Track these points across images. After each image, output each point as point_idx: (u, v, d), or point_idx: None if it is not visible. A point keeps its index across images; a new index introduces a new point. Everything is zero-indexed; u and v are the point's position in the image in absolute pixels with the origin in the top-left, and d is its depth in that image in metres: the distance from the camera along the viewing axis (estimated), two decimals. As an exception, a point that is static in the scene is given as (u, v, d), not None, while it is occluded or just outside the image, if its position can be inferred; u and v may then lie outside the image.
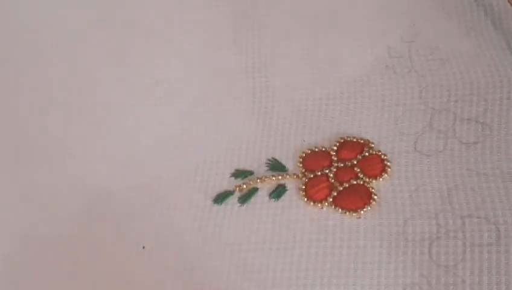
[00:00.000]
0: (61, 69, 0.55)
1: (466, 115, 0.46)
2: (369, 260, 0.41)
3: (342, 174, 0.45)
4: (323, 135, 0.48)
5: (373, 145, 0.46)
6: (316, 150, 0.47)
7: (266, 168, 0.47)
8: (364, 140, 0.47)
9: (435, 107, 0.47)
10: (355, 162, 0.46)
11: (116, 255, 0.45)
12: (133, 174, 0.49)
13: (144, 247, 0.45)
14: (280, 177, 0.46)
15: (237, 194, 0.46)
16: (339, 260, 0.42)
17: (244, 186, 0.46)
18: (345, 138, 0.47)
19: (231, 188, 0.46)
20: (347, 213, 0.44)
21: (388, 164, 0.45)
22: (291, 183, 0.46)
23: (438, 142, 0.46)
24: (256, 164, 0.47)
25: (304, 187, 0.45)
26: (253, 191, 0.46)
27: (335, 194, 0.44)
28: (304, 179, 0.46)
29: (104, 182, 0.48)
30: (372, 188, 0.44)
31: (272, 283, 0.42)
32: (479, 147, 0.45)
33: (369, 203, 0.44)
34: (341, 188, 0.45)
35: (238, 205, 0.46)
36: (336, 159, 0.46)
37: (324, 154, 0.47)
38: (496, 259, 0.40)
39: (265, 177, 0.46)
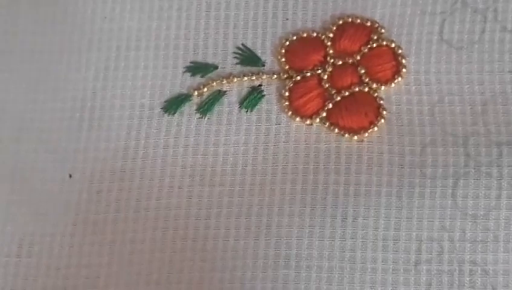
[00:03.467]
0: None
1: (513, -13, 0.33)
2: (373, 203, 0.31)
3: (341, 76, 0.33)
4: (314, 13, 0.34)
5: (383, 32, 0.33)
6: (305, 36, 0.34)
7: (235, 62, 0.34)
8: (371, 22, 0.33)
9: None
10: (358, 58, 0.33)
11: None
12: None
13: (70, 175, 0.34)
14: (254, 76, 0.34)
15: (196, 100, 0.34)
16: (333, 201, 0.32)
17: (205, 89, 0.34)
18: (345, 18, 0.34)
19: (187, 91, 0.34)
20: (345, 135, 0.32)
21: (403, 61, 0.33)
22: (270, 86, 0.34)
23: (473, 28, 0.33)
24: (221, 54, 0.34)
25: (287, 95, 0.33)
26: (217, 96, 0.34)
27: (330, 106, 0.33)
28: (287, 81, 0.33)
29: None
30: (381, 98, 0.32)
31: (242, 228, 0.32)
32: (529, 37, 0.32)
33: (375, 122, 0.32)
34: (338, 98, 0.33)
35: (198, 116, 0.33)
36: (331, 52, 0.33)
37: (315, 43, 0.34)
38: None
39: (234, 75, 0.34)
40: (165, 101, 0.34)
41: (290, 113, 0.33)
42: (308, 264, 0.31)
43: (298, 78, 0.33)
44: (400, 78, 0.33)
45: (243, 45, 0.34)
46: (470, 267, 0.30)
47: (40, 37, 0.36)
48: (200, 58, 0.34)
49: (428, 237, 0.31)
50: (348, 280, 0.31)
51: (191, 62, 0.34)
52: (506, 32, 0.33)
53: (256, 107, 0.33)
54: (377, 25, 0.33)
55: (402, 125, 0.32)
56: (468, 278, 0.30)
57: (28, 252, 0.33)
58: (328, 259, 0.31)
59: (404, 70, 0.33)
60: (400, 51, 0.33)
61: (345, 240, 0.31)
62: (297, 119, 0.33)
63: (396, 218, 0.31)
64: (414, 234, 0.31)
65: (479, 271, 0.30)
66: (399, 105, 0.33)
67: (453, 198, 0.31)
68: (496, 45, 0.33)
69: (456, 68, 0.33)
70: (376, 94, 0.33)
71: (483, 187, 0.31)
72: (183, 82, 0.34)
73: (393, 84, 0.33)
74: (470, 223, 0.31)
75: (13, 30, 0.37)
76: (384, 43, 0.33)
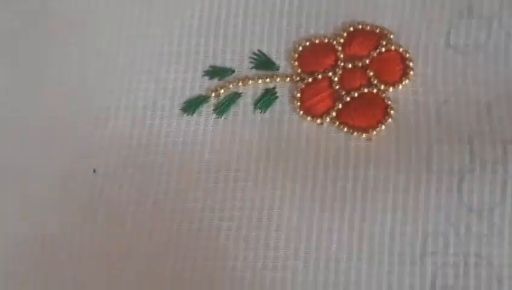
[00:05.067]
0: None
1: (518, -5, 0.34)
2: (381, 197, 0.32)
3: (350, 78, 0.34)
4: (326, 20, 0.36)
5: (392, 37, 0.35)
6: (317, 42, 0.36)
7: (251, 66, 0.36)
8: (380, 29, 0.35)
9: None
10: (367, 62, 0.35)
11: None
12: None
13: (94, 170, 0.36)
14: (268, 79, 0.35)
15: (213, 101, 0.36)
16: (341, 196, 0.33)
17: (222, 90, 0.36)
18: (356, 25, 0.35)
19: (205, 92, 0.36)
20: (354, 133, 0.34)
21: (411, 64, 0.34)
22: (283, 88, 0.35)
23: (479, 34, 0.34)
24: (238, 59, 0.36)
25: (299, 96, 0.35)
26: (233, 97, 0.35)
27: (340, 106, 0.34)
28: (299, 83, 0.35)
29: None
30: (389, 99, 0.34)
31: (255, 220, 0.33)
32: (533, 42, 0.34)
33: (383, 121, 0.33)
34: (348, 99, 0.34)
35: (214, 116, 0.35)
36: (342, 56, 0.35)
37: (327, 48, 0.35)
38: None
39: (249, 78, 0.36)
40: (184, 102, 0.36)
41: (301, 113, 0.34)
42: (317, 255, 0.32)
43: (310, 80, 0.35)
44: (407, 80, 0.34)
45: (258, 50, 0.36)
46: (475, 260, 0.31)
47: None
48: (218, 63, 0.36)
49: (434, 230, 0.32)
50: (354, 271, 0.32)
51: (210, 66, 0.36)
52: (510, 38, 0.34)
53: (270, 107, 0.35)
54: (385, 31, 0.35)
55: (409, 125, 0.33)
56: (473, 270, 0.31)
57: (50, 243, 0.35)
58: (336, 251, 0.32)
59: (411, 73, 0.34)
60: (407, 55, 0.34)
61: (352, 234, 0.32)
62: (308, 118, 0.34)
63: (402, 212, 0.32)
64: (420, 227, 0.32)
65: (484, 264, 0.31)
66: (406, 105, 0.34)
67: (459, 193, 0.32)
68: (501, 50, 0.34)
69: (461, 71, 0.34)
70: (384, 95, 0.34)
71: (488, 183, 0.32)
72: (202, 85, 0.36)
73: (400, 86, 0.34)
74: (475, 217, 0.31)
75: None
76: (393, 48, 0.35)
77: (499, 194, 0.31)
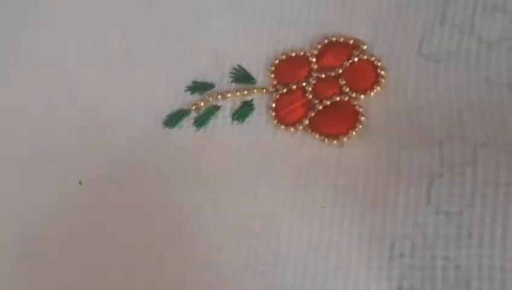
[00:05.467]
0: None
1: (491, 1, 0.34)
2: (350, 204, 0.33)
3: (323, 88, 0.35)
4: (304, 34, 0.37)
5: (365, 48, 0.36)
6: (293, 55, 0.37)
7: (230, 80, 0.37)
8: (354, 41, 0.36)
9: None
10: (340, 72, 0.35)
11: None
12: None
13: (80, 182, 0.37)
14: (246, 92, 0.37)
15: (193, 114, 0.37)
16: (311, 203, 0.33)
17: (202, 103, 0.37)
18: (330, 38, 0.36)
19: (186, 107, 0.37)
20: (326, 140, 0.34)
21: (382, 73, 0.35)
22: (260, 100, 0.36)
23: (451, 41, 0.34)
24: (219, 74, 0.38)
25: (274, 106, 0.36)
26: (212, 110, 0.37)
27: (312, 115, 0.35)
28: (274, 94, 0.36)
29: None
30: (360, 106, 0.34)
31: (229, 232, 0.34)
32: (504, 46, 0.33)
33: (354, 127, 0.34)
34: (320, 107, 0.35)
35: (194, 128, 0.37)
36: (316, 67, 0.36)
37: (302, 60, 0.36)
38: None
39: (228, 91, 0.37)
40: (166, 116, 0.37)
41: (275, 122, 0.35)
42: (284, 262, 0.33)
43: (284, 90, 0.36)
44: (379, 88, 0.34)
45: (238, 65, 0.37)
46: (443, 263, 0.30)
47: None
48: (200, 78, 0.38)
49: (402, 234, 0.31)
50: (321, 277, 0.32)
51: (192, 82, 0.38)
52: (482, 43, 0.34)
53: (247, 118, 0.36)
54: (359, 42, 0.36)
55: (380, 131, 0.34)
56: (440, 274, 0.30)
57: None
58: (305, 257, 0.32)
59: (383, 80, 0.34)
60: (379, 64, 0.35)
61: (320, 240, 0.32)
62: (282, 127, 0.35)
63: (370, 217, 0.32)
64: (388, 231, 0.32)
65: (452, 266, 0.30)
66: (377, 112, 0.34)
67: (428, 196, 0.32)
68: (473, 55, 0.34)
69: (433, 78, 0.34)
70: (356, 103, 0.34)
71: (457, 186, 0.31)
72: (184, 99, 0.38)
73: (372, 94, 0.34)
74: (443, 220, 0.31)
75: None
76: (365, 57, 0.35)
77: (468, 196, 0.31)
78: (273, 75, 0.36)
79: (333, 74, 0.35)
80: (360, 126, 0.34)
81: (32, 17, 0.43)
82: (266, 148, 0.35)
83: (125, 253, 0.36)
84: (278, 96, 0.36)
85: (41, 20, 0.43)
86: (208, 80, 0.38)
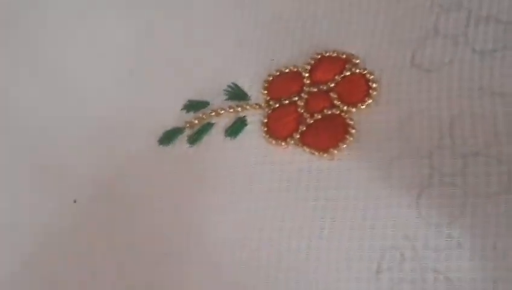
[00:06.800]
0: None
1: (484, 12, 0.34)
2: (340, 216, 0.32)
3: (314, 102, 0.35)
4: (299, 51, 0.37)
5: (357, 62, 0.35)
6: (286, 71, 0.37)
7: (225, 98, 0.37)
8: (346, 55, 0.36)
9: (443, 4, 0.35)
10: (332, 86, 0.35)
11: None
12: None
13: (75, 201, 0.38)
14: (240, 108, 0.37)
15: (187, 132, 0.37)
16: (302, 216, 0.33)
17: (196, 121, 0.37)
18: (323, 53, 0.36)
19: (181, 125, 0.38)
20: (316, 153, 0.34)
21: (374, 85, 0.34)
22: (253, 116, 0.36)
23: (444, 52, 0.34)
24: (215, 92, 0.38)
25: (266, 121, 0.35)
26: (206, 127, 0.37)
27: (304, 128, 0.35)
28: (267, 109, 0.36)
29: None
30: (351, 119, 0.34)
31: (220, 244, 0.34)
32: (498, 56, 0.33)
33: (344, 140, 0.33)
34: (311, 121, 0.35)
35: (188, 145, 0.37)
36: (308, 82, 0.36)
37: (294, 76, 0.36)
38: (506, 215, 0.29)
39: (222, 109, 0.37)
40: (162, 134, 0.38)
41: (267, 136, 0.35)
42: (276, 275, 0.32)
43: (276, 106, 0.36)
44: (370, 100, 0.34)
45: (232, 83, 0.37)
46: (433, 275, 0.29)
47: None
48: (195, 97, 0.38)
49: (391, 246, 0.31)
50: (310, 289, 0.31)
51: (187, 100, 0.38)
52: (475, 54, 0.33)
53: (240, 134, 0.36)
54: (351, 56, 0.35)
55: (370, 142, 0.33)
56: (431, 286, 0.29)
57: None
58: (295, 269, 0.32)
59: (374, 93, 0.34)
60: (371, 77, 0.34)
61: (309, 252, 0.32)
62: (273, 142, 0.35)
63: (360, 229, 0.31)
64: (377, 243, 0.31)
65: (442, 279, 0.29)
66: (369, 124, 0.33)
67: (417, 208, 0.31)
68: (466, 65, 0.33)
69: (425, 88, 0.33)
70: (346, 115, 0.34)
71: (447, 196, 0.30)
72: (180, 117, 0.38)
73: (363, 106, 0.34)
74: (433, 231, 0.30)
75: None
76: (357, 71, 0.35)
77: (458, 207, 0.30)
78: (266, 91, 0.36)
79: (325, 88, 0.35)
80: (351, 139, 0.33)
81: (45, 26, 0.45)
82: (258, 163, 0.35)
83: (122, 271, 0.36)
84: (270, 111, 0.36)
85: (49, 29, 0.44)
86: (204, 98, 0.38)
